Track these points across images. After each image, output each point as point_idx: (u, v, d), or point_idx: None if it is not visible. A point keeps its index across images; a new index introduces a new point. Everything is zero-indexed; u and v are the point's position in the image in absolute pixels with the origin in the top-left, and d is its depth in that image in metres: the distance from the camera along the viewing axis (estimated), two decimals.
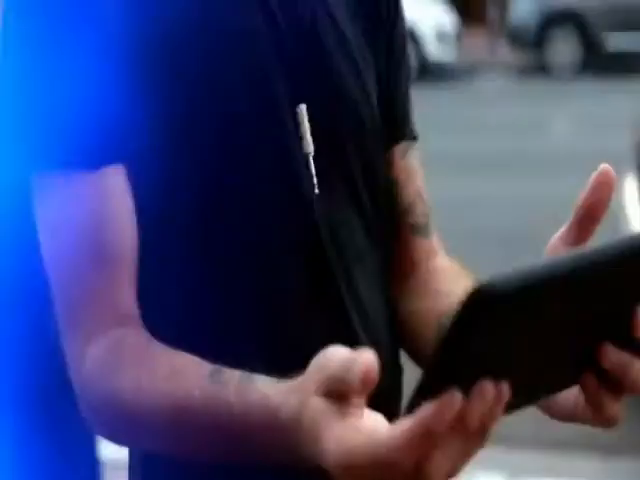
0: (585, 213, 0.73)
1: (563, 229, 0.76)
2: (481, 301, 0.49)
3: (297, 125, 0.89)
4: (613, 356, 0.65)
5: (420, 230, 1.04)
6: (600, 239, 0.60)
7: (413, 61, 13.59)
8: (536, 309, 0.55)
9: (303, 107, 0.90)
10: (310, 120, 0.90)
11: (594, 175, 0.73)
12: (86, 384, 0.82)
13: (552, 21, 15.15)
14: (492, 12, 18.12)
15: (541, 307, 0.55)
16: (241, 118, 0.88)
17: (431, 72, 14.74)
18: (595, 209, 0.73)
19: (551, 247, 0.77)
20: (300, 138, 0.89)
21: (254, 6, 0.89)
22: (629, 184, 4.51)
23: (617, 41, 14.74)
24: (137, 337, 0.83)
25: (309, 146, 0.89)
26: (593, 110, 11.44)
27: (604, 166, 0.73)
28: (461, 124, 10.72)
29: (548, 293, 0.54)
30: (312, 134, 0.90)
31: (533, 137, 10.19)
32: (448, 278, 1.02)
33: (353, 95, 0.95)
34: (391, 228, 1.02)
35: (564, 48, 15.17)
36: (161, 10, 0.85)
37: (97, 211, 0.84)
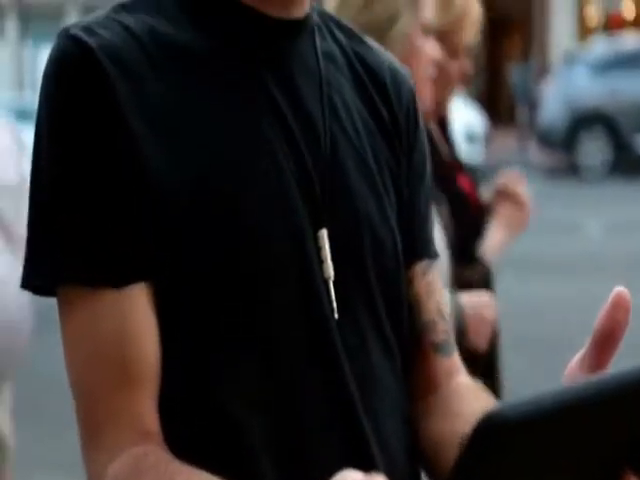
0: (602, 337, 0.70)
1: (581, 353, 0.73)
2: (491, 429, 0.50)
3: (318, 249, 0.91)
4: None
5: (441, 348, 1.04)
6: None
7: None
8: (548, 437, 0.54)
9: (324, 232, 0.91)
10: (331, 243, 0.91)
11: (610, 298, 0.70)
12: None
13: (582, 123, 15.24)
14: (521, 114, 18.29)
15: (553, 436, 0.54)
16: (262, 243, 0.89)
17: None
18: (612, 332, 0.69)
19: (569, 373, 0.73)
20: (321, 262, 0.91)
21: (278, 135, 0.92)
22: None
23: None
24: (158, 455, 0.82)
25: (329, 270, 0.91)
26: (624, 213, 11.47)
27: (619, 289, 0.70)
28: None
29: (560, 422, 0.54)
30: (332, 258, 0.91)
31: (565, 239, 10.28)
32: (469, 399, 1.01)
33: (373, 218, 0.97)
34: (411, 346, 1.02)
35: (594, 150, 15.26)
36: (191, 149, 0.88)
37: (121, 329, 0.85)
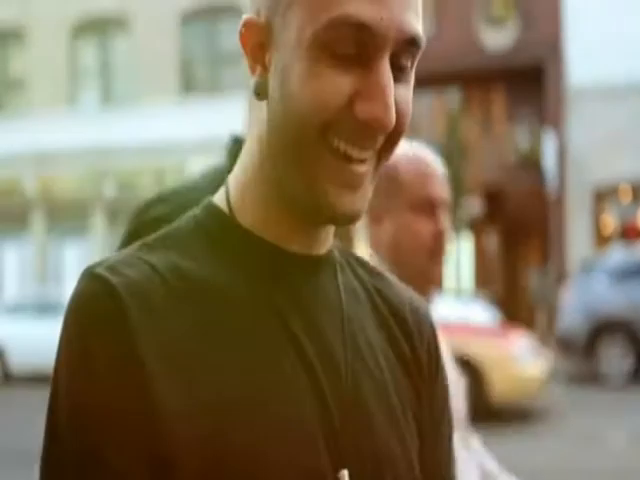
0: None
1: None
2: None
3: None
4: None
5: None
6: None
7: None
8: None
9: (345, 473, 0.89)
10: None
11: None
12: None
13: (602, 330, 15.18)
14: (540, 319, 18.30)
15: None
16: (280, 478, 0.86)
17: None
18: None
19: None
20: None
21: (299, 374, 0.91)
22: None
23: None
24: None
25: None
26: None
27: None
28: (511, 442, 10.68)
29: None
30: None
31: (588, 451, 10.04)
32: None
33: (394, 456, 0.95)
34: None
35: (615, 357, 15.17)
36: (207, 392, 0.85)
37: None
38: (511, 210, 24.23)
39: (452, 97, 24.30)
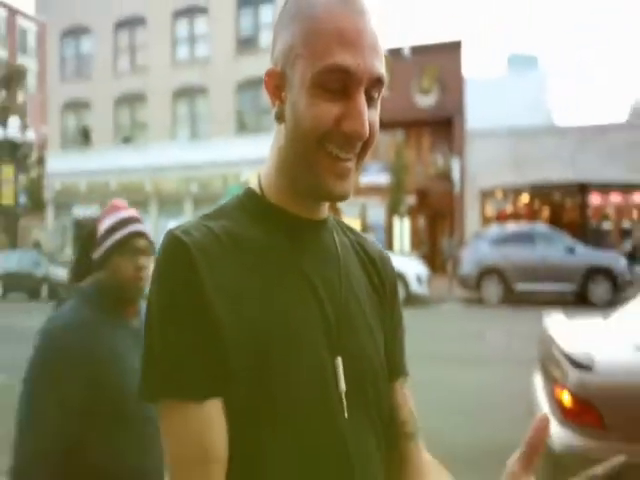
0: (529, 449, 0.66)
1: (514, 458, 0.68)
2: None
3: (335, 371, 0.82)
4: None
5: (412, 437, 0.95)
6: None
7: (402, 293, 13.18)
8: None
9: (339, 359, 0.83)
10: (343, 367, 0.83)
11: (534, 421, 0.66)
12: None
13: (484, 273, 14.88)
14: (449, 267, 18.15)
15: None
16: (300, 365, 0.79)
17: (412, 301, 14.43)
18: (536, 446, 0.66)
19: (510, 474, 0.70)
20: (337, 381, 0.82)
21: (310, 298, 0.83)
22: (536, 377, 4.11)
23: (523, 286, 14.40)
24: None
25: (343, 386, 0.82)
26: (513, 326, 11.08)
27: (542, 414, 0.66)
28: (432, 332, 10.40)
29: None
30: (345, 378, 0.83)
31: (475, 343, 9.82)
32: (432, 472, 0.94)
33: (370, 351, 0.88)
34: (393, 435, 0.93)
35: (492, 290, 14.88)
36: (249, 312, 0.79)
37: (202, 431, 0.74)
38: (433, 203, 23.63)
39: (398, 136, 23.53)
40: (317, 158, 0.80)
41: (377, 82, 0.79)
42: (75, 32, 28.21)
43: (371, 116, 0.80)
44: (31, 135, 22.96)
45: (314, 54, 0.77)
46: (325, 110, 0.77)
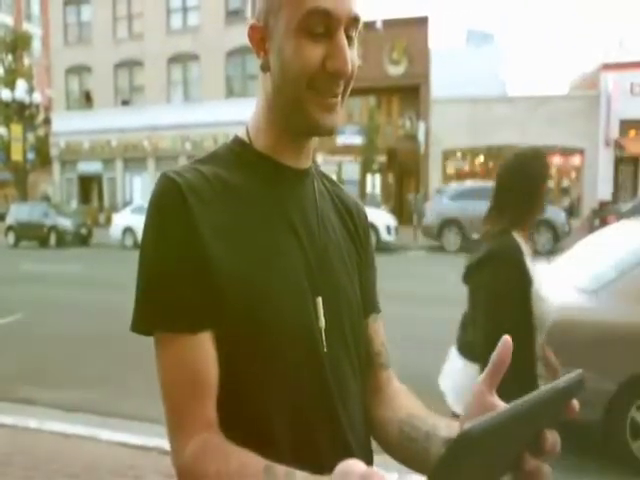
0: (495, 367, 0.66)
1: (483, 376, 0.67)
2: (463, 441, 0.45)
3: (315, 309, 0.80)
4: (530, 461, 0.59)
5: (385, 366, 0.94)
6: None
7: (373, 241, 13.52)
8: (498, 440, 0.50)
9: (319, 299, 0.81)
10: (323, 306, 0.81)
11: (499, 344, 0.65)
12: (184, 468, 0.72)
13: (445, 224, 15.01)
14: (415, 218, 18.33)
15: (501, 439, 0.50)
16: (280, 305, 0.76)
17: (382, 248, 14.56)
18: (501, 365, 0.66)
19: (477, 392, 0.67)
20: (317, 318, 0.80)
21: (293, 241, 0.81)
22: None
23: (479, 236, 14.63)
24: (217, 439, 0.72)
25: (322, 322, 0.80)
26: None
27: (505, 337, 0.65)
28: (399, 275, 10.42)
29: (506, 429, 0.50)
30: (324, 315, 0.81)
31: (437, 285, 9.68)
32: (402, 396, 0.91)
33: (347, 290, 0.86)
34: (367, 365, 0.91)
35: (452, 238, 15.05)
36: (239, 249, 0.76)
37: (195, 359, 0.73)
38: (401, 162, 23.73)
39: (371, 101, 23.13)
40: (307, 97, 0.77)
41: (354, 21, 0.76)
42: (76, 0, 27.49)
43: (352, 55, 0.77)
44: (37, 97, 22.46)
45: (297, 0, 0.74)
46: (311, 52, 0.75)
